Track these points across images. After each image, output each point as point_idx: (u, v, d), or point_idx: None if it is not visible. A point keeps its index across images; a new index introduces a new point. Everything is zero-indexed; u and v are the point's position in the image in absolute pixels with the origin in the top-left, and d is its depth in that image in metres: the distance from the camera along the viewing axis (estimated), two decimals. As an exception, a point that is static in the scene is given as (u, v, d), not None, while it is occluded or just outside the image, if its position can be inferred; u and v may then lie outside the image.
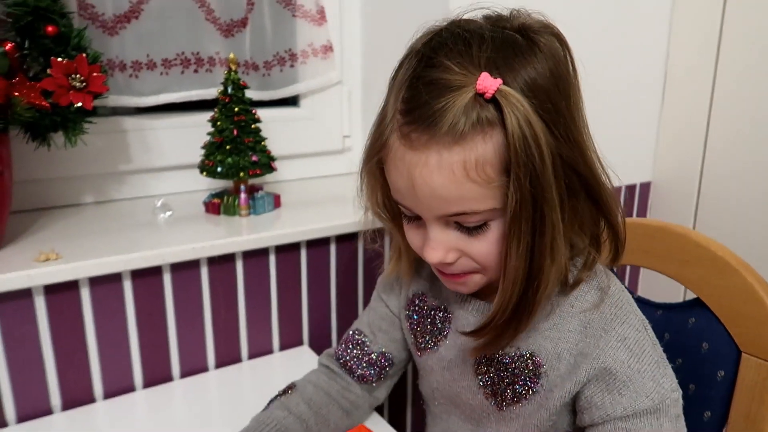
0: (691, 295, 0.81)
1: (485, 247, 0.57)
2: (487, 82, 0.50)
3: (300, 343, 1.00)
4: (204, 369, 0.92)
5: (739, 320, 0.74)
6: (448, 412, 0.74)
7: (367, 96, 1.24)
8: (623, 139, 1.38)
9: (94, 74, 0.80)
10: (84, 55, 0.79)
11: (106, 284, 0.81)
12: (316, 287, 0.99)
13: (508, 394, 0.65)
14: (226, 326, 0.92)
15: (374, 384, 0.77)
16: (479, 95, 0.51)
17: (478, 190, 0.53)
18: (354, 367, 0.76)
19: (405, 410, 1.16)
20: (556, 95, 0.53)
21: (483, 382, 0.67)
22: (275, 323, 0.97)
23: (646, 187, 1.45)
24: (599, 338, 0.60)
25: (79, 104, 0.78)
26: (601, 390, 0.60)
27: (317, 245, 0.98)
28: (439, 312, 0.72)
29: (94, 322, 0.82)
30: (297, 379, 0.77)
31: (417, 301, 0.74)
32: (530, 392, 0.64)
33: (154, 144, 1.04)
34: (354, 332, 0.78)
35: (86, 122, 0.82)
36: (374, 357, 0.76)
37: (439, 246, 0.57)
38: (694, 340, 0.79)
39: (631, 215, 1.44)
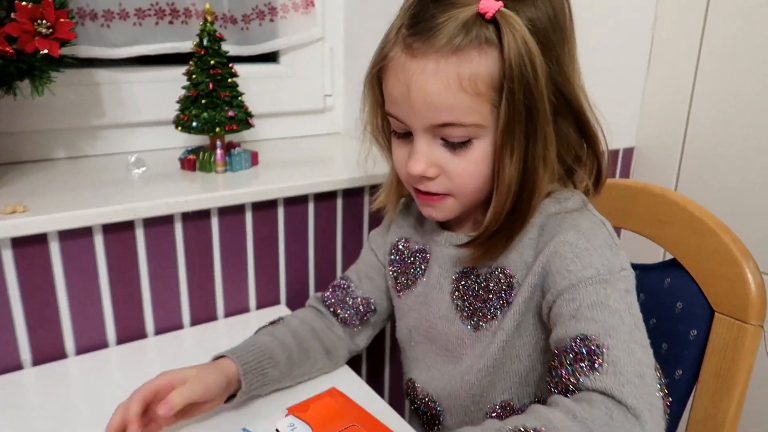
0: (669, 257, 0.81)
1: (465, 166, 0.61)
2: (489, 3, 0.55)
3: (277, 302, 0.99)
4: (179, 326, 0.91)
5: (714, 280, 0.75)
6: (425, 350, 0.75)
7: (350, 54, 1.21)
8: (608, 104, 1.36)
9: (61, 20, 0.76)
10: (50, -1, 0.76)
11: (76, 238, 0.79)
12: (294, 246, 0.98)
13: (483, 311, 0.66)
14: (201, 284, 0.91)
15: (356, 329, 0.80)
16: (480, 15, 0.55)
17: (468, 102, 0.57)
18: (338, 309, 0.79)
19: (383, 373, 1.16)
20: (553, 36, 0.58)
21: (458, 306, 0.69)
22: (252, 282, 0.96)
23: (629, 152, 1.44)
24: (555, 233, 0.61)
25: (45, 51, 0.75)
26: (555, 279, 0.60)
27: (295, 203, 0.96)
28: (419, 253, 0.75)
29: (65, 276, 0.80)
30: None
31: (400, 246, 0.78)
32: (505, 305, 0.65)
33: (128, 98, 1.01)
34: (341, 278, 0.83)
35: (53, 71, 0.79)
36: (358, 301, 0.80)
37: (423, 158, 0.61)
38: (668, 299, 0.79)
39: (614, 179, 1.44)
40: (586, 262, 0.58)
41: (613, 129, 1.40)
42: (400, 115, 0.62)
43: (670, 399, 0.55)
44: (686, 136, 1.36)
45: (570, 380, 0.52)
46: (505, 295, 0.65)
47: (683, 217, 0.79)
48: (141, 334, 0.88)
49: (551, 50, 0.58)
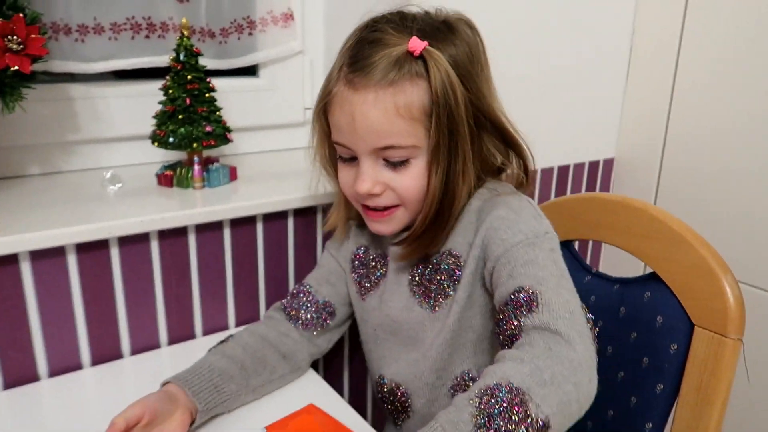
0: (649, 270, 0.81)
1: (406, 181, 0.70)
2: (416, 43, 0.66)
3: (257, 318, 0.97)
4: (156, 346, 0.89)
5: (693, 294, 0.75)
6: (390, 345, 0.81)
7: (330, 66, 1.20)
8: (588, 116, 1.38)
9: (33, 36, 0.75)
10: (21, 15, 0.75)
11: (48, 258, 0.78)
12: (273, 263, 0.97)
13: (438, 291, 0.74)
14: (178, 302, 0.89)
15: (315, 332, 0.83)
16: (410, 53, 0.66)
17: (404, 127, 0.67)
18: (299, 313, 0.82)
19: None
20: (471, 68, 0.69)
21: (415, 292, 0.77)
22: (231, 299, 0.94)
23: (609, 163, 1.45)
24: (489, 212, 0.70)
25: (16, 68, 0.74)
26: (492, 249, 0.68)
27: (274, 219, 0.95)
28: (379, 258, 0.83)
29: (36, 297, 0.78)
30: None
31: (360, 254, 0.85)
32: (456, 283, 0.73)
33: (104, 113, 1.00)
34: (300, 285, 0.86)
35: (25, 87, 0.77)
36: (319, 305, 0.83)
37: (369, 178, 0.70)
38: (648, 314, 0.79)
39: (594, 191, 1.45)
40: (516, 230, 0.67)
41: (593, 140, 1.42)
42: (346, 141, 0.71)
43: (598, 331, 0.65)
44: (665, 146, 1.37)
45: (513, 324, 0.61)
46: (455, 273, 0.73)
47: (662, 231, 0.79)
48: (117, 355, 0.86)
49: (470, 80, 0.68)
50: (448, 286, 0.74)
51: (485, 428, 0.50)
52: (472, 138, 0.69)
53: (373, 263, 0.83)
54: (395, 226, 0.74)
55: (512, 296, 0.62)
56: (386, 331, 0.81)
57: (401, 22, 0.69)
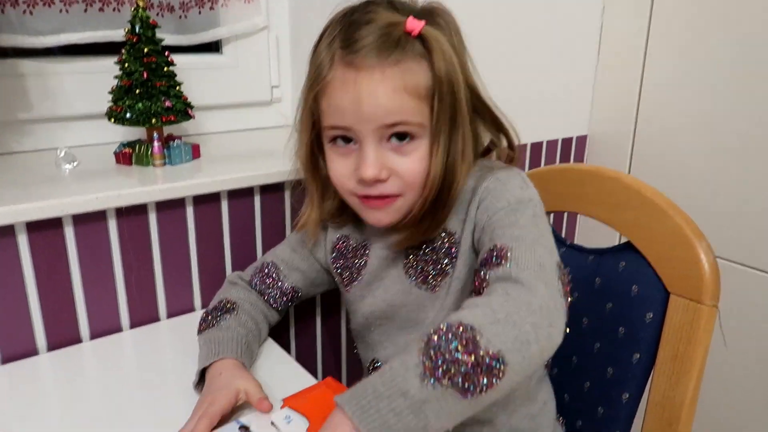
0: (623, 240, 0.80)
1: (411, 164, 0.67)
2: (414, 23, 0.64)
3: (224, 301, 0.94)
4: (117, 329, 0.85)
5: (668, 262, 0.74)
6: (386, 330, 0.78)
7: (297, 43, 1.17)
8: (560, 94, 1.37)
9: (-27, 2, 0.70)
10: (-40, -20, 0.70)
11: (-3, 238, 0.73)
12: (240, 242, 0.94)
13: (436, 271, 0.72)
14: (140, 283, 0.86)
15: (278, 311, 0.84)
16: (407, 33, 0.64)
17: (412, 104, 0.65)
18: (265, 295, 0.82)
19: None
20: (460, 48, 0.69)
21: (412, 276, 0.74)
22: (196, 279, 0.91)
23: (582, 140, 1.44)
24: (479, 186, 0.69)
25: (-45, 35, 0.69)
26: (480, 218, 0.68)
27: (240, 196, 0.92)
28: (360, 248, 0.79)
29: (-15, 280, 0.74)
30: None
31: (339, 244, 0.82)
32: (454, 260, 0.71)
33: (57, 90, 0.95)
34: (269, 265, 0.84)
35: (-34, 58, 0.73)
36: (285, 289, 0.83)
37: (375, 162, 0.66)
38: (623, 283, 0.78)
39: (567, 169, 1.44)
40: (501, 198, 0.66)
41: (566, 117, 1.40)
42: (349, 123, 0.66)
43: (575, 294, 0.63)
44: (637, 122, 1.36)
45: (481, 278, 0.60)
46: (451, 251, 0.71)
47: (636, 200, 0.77)
48: (75, 339, 0.82)
49: (462, 61, 0.68)
50: (447, 265, 0.71)
51: (431, 360, 0.48)
52: (470, 118, 0.69)
53: (352, 253, 0.80)
54: (394, 215, 0.71)
55: (486, 255, 0.61)
56: (380, 318, 0.78)
57: (390, 4, 0.67)
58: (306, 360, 1.06)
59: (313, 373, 0.77)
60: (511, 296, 0.54)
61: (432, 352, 0.48)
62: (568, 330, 0.56)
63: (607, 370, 0.78)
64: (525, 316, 0.52)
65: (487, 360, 0.48)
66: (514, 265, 0.57)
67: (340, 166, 0.70)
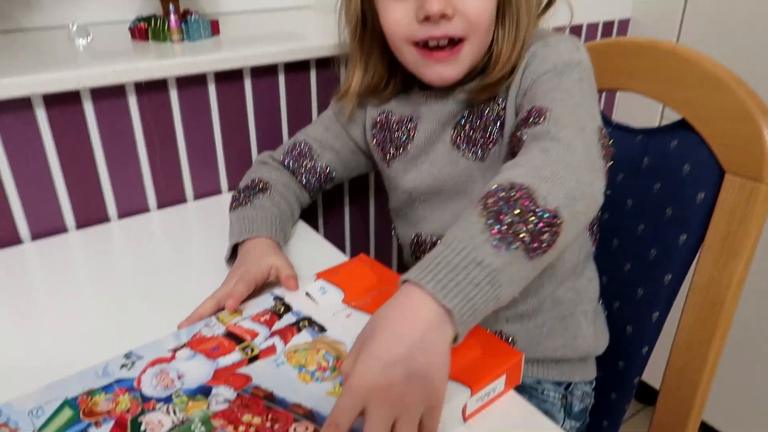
0: (668, 120, 0.74)
1: (477, 2, 0.63)
2: None
3: (251, 184, 0.92)
4: (145, 209, 0.84)
5: (726, 139, 0.68)
6: (431, 205, 0.75)
7: None
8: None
9: None
10: None
11: (14, 112, 0.70)
12: (265, 122, 0.90)
13: (484, 139, 0.69)
14: (164, 163, 0.83)
15: (311, 194, 0.82)
16: None
17: None
18: (299, 175, 0.80)
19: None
20: None
21: (460, 147, 0.71)
22: (221, 161, 0.88)
23: (624, 24, 1.34)
24: (526, 52, 0.67)
25: None
26: (524, 83, 0.65)
27: (263, 74, 0.86)
28: (405, 122, 0.76)
29: (6, 155, 0.71)
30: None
31: (381, 118, 0.78)
32: (502, 127, 0.68)
33: (66, -41, 0.88)
34: (302, 144, 0.80)
35: None
36: (319, 169, 0.80)
37: None
38: (675, 162, 0.73)
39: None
40: (548, 61, 0.64)
41: (608, -1, 1.30)
42: None
43: (612, 162, 0.58)
44: (687, 5, 1.25)
45: (518, 138, 0.58)
46: (499, 116, 0.68)
47: (694, 74, 0.71)
48: (103, 218, 0.81)
49: None
50: (495, 133, 0.69)
51: (498, 223, 0.45)
52: None
53: (396, 126, 0.76)
54: (461, 67, 0.67)
55: (524, 114, 0.59)
56: (425, 192, 0.75)
57: None
58: (334, 242, 1.05)
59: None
60: (551, 153, 0.51)
61: (495, 217, 0.46)
62: (608, 192, 0.54)
63: (650, 251, 0.75)
64: (569, 173, 0.50)
65: (547, 217, 0.46)
66: (553, 123, 0.55)
67: (396, 12, 0.65)
